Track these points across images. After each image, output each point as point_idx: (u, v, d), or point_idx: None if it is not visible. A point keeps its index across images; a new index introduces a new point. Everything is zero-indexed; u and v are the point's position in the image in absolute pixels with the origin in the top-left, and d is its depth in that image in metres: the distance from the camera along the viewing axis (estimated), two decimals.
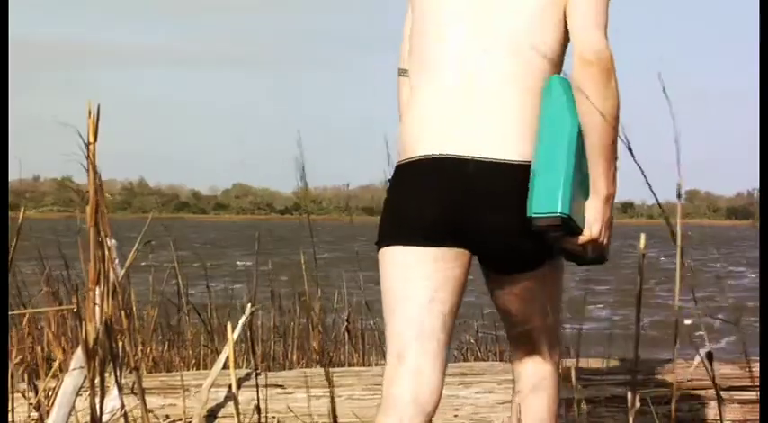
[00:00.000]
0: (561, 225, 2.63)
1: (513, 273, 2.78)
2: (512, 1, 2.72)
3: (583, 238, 2.70)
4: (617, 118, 2.66)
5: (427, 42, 2.78)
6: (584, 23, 2.68)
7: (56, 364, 3.63)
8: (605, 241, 2.73)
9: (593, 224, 2.69)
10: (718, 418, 3.65)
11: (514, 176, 2.66)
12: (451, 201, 2.70)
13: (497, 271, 2.80)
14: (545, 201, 2.61)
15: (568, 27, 2.71)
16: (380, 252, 2.79)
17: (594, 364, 3.82)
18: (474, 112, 2.71)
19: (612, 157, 2.69)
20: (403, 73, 2.90)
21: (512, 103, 2.70)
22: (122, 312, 2.32)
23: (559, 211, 2.60)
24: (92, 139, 2.21)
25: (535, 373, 2.89)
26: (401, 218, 2.75)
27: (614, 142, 2.68)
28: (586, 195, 2.71)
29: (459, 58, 2.74)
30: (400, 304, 2.73)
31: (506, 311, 2.87)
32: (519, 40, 2.72)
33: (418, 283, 2.71)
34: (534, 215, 2.62)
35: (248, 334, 4.19)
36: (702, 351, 2.28)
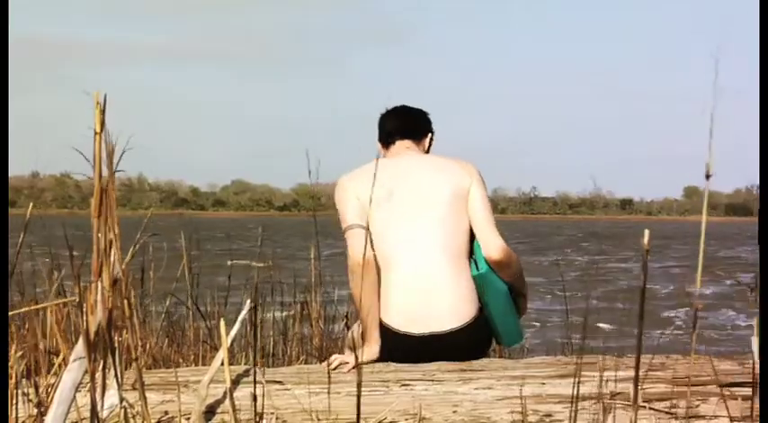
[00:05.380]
0: None
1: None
2: (432, 214, 4.10)
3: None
4: (522, 273, 4.24)
5: (390, 253, 4.06)
6: (484, 229, 4.13)
7: (58, 360, 3.62)
8: None
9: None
10: (718, 414, 3.66)
11: (470, 330, 4.09)
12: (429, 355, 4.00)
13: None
14: (516, 335, 4.29)
15: (473, 226, 4.13)
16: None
17: (596, 360, 3.83)
18: (432, 298, 4.06)
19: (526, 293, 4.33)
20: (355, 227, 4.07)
21: (453, 285, 4.07)
22: (125, 302, 2.32)
23: (525, 336, 4.50)
24: (98, 130, 2.20)
25: None
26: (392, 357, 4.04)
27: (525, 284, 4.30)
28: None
29: (411, 259, 4.07)
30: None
31: None
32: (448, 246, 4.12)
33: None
34: (514, 346, 4.62)
35: (247, 330, 4.18)
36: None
